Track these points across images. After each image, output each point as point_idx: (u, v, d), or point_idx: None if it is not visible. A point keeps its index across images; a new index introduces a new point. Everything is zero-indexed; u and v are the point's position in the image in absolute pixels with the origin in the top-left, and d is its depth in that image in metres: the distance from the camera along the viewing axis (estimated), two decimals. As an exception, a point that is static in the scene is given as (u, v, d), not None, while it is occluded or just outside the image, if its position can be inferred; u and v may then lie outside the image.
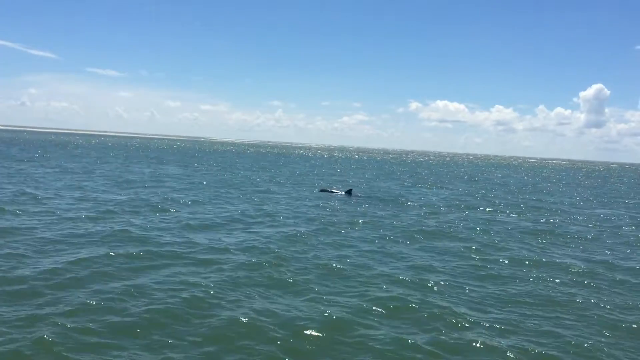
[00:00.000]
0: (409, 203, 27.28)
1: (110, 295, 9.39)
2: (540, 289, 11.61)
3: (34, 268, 10.80)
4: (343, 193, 29.92)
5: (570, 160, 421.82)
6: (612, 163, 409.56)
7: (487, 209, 26.38)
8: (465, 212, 25.02)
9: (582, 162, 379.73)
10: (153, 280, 10.55)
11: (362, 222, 19.54)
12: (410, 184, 42.86)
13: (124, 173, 36.91)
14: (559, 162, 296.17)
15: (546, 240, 18.06)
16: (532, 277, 12.63)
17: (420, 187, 40.48)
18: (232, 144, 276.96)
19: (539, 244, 17.30)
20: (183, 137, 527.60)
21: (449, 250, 15.48)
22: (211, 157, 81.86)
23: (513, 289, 11.53)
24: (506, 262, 14.10)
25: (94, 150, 76.46)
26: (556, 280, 12.40)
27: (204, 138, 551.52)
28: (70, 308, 8.72)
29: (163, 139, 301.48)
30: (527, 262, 14.15)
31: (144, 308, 8.92)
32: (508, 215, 24.67)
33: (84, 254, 12.21)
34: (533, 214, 25.35)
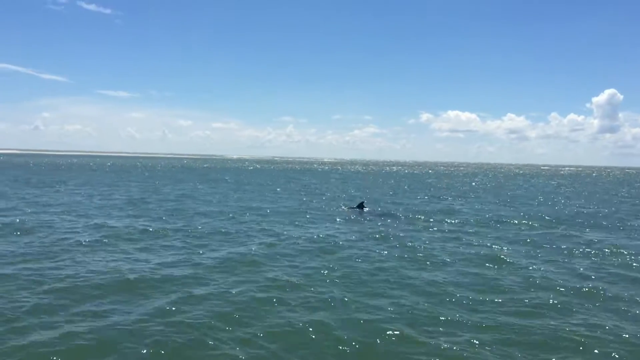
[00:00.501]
0: (432, 219, 26.25)
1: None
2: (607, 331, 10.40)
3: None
4: (356, 207, 29.18)
5: (585, 167, 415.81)
6: (628, 168, 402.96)
7: (523, 223, 25.19)
8: (499, 228, 23.88)
9: (598, 168, 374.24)
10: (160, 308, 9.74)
11: (387, 245, 18.47)
12: (431, 196, 41.75)
13: (144, 195, 36.38)
14: (576, 169, 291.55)
15: (601, 261, 16.86)
16: (588, 310, 11.39)
17: (443, 200, 39.37)
18: (246, 160, 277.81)
19: (590, 265, 16.12)
20: (196, 155, 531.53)
21: (483, 276, 14.10)
22: (232, 175, 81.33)
23: (568, 329, 10.18)
24: (556, 293, 12.70)
25: (110, 173, 76.48)
26: (628, 316, 11.26)
27: (216, 156, 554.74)
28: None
29: (176, 157, 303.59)
30: (582, 292, 12.85)
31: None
32: (547, 230, 23.46)
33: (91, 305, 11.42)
34: (570, 228, 24.12)
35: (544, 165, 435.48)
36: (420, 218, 26.63)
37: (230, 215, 26.01)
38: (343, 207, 30.13)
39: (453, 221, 25.75)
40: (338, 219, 25.30)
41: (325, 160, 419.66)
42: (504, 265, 15.28)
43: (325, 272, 13.83)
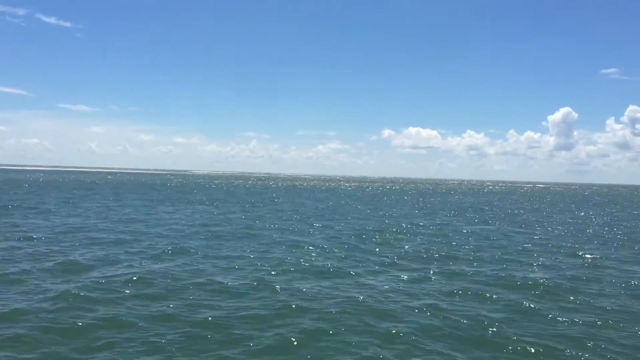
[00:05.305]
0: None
1: None
2: None
3: None
4: None
5: (543, 183, 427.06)
6: (579, 184, 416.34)
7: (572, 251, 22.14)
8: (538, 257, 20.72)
9: (555, 184, 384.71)
10: None
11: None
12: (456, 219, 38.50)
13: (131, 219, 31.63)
14: (540, 185, 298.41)
15: None
16: None
17: (463, 223, 36.21)
18: (212, 176, 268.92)
19: None
20: (158, 170, 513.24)
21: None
22: (208, 193, 76.08)
23: None
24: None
25: (73, 189, 69.84)
26: None
27: (177, 171, 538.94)
28: None
29: (137, 173, 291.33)
30: None
31: None
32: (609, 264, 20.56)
33: None
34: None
35: (500, 182, 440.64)
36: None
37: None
38: None
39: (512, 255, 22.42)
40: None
41: (288, 174, 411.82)
42: None
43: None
